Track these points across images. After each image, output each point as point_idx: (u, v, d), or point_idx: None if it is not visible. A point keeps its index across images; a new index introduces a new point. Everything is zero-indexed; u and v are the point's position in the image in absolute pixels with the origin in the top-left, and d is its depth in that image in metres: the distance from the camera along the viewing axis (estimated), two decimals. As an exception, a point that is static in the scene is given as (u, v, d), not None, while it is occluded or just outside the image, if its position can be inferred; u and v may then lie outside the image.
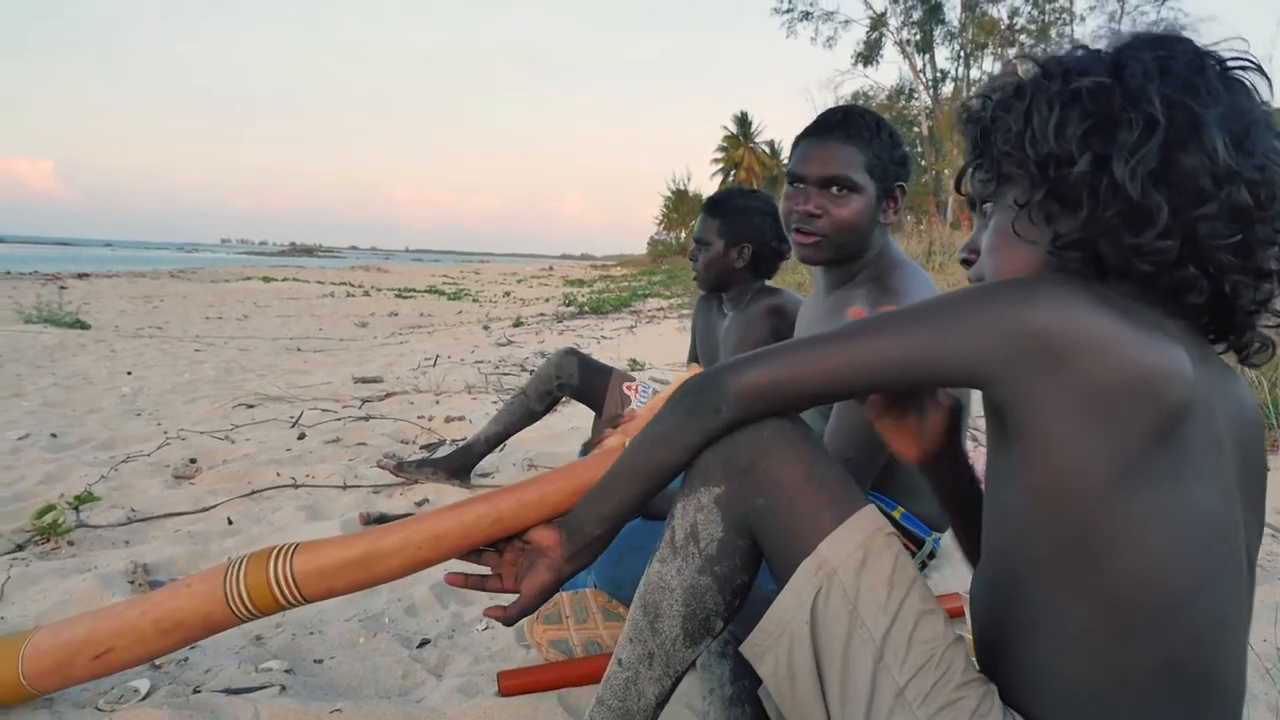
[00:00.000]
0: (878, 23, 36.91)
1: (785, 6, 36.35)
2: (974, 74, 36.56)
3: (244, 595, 1.29)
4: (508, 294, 19.32)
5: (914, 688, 0.89)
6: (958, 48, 37.35)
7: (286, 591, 1.28)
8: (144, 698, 1.50)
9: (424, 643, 1.80)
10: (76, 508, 2.58)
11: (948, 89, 37.93)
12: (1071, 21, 33.54)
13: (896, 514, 1.77)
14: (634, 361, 5.82)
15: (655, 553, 1.06)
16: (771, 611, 0.97)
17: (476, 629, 1.87)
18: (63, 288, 15.15)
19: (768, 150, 55.01)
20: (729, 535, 1.01)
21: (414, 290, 19.26)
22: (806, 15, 36.45)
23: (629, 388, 2.87)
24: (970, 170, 1.00)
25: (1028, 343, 0.81)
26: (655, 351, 6.86)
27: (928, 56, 37.65)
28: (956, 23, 36.64)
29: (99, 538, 2.43)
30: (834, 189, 1.71)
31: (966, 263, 1.04)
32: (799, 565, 0.96)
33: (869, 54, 37.28)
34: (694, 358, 2.92)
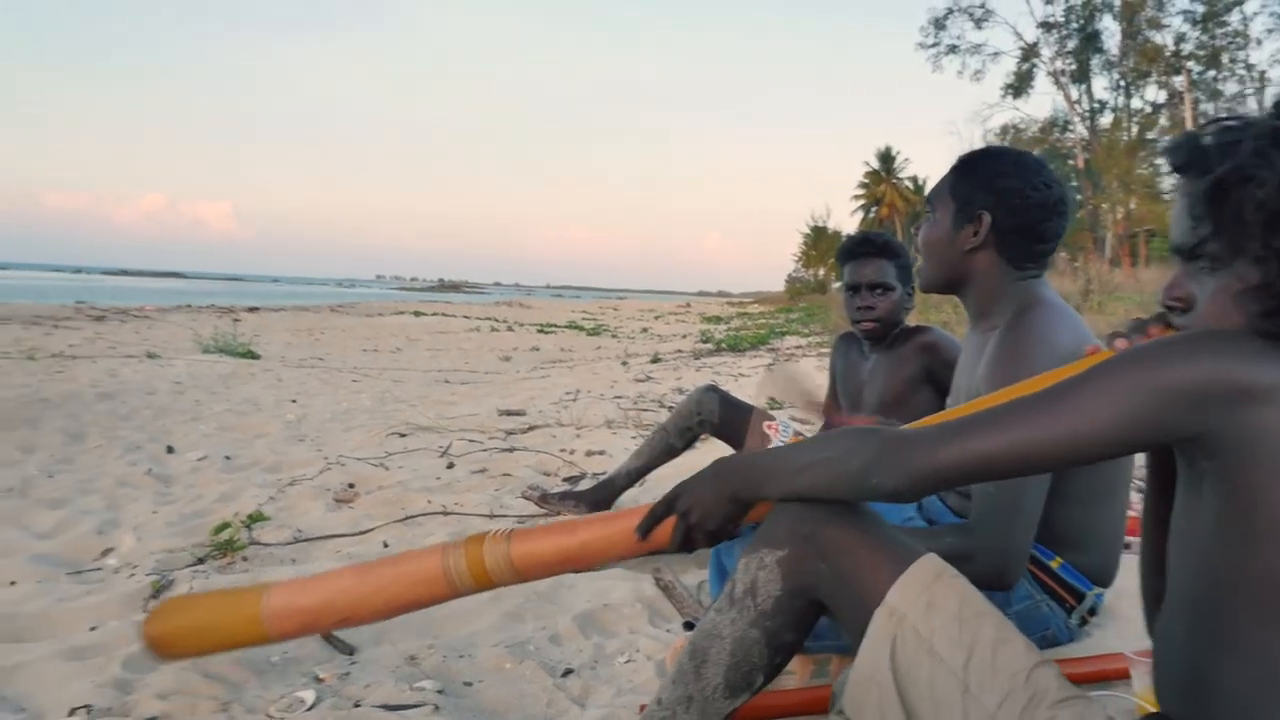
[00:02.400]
0: (1029, 53, 35.76)
1: (931, 41, 35.74)
2: (1135, 104, 34.81)
3: (464, 573, 1.40)
4: (645, 330, 19.57)
5: (1005, 712, 0.92)
6: (1117, 77, 35.72)
7: (503, 570, 1.39)
8: (310, 708, 1.59)
9: (568, 672, 1.84)
10: (249, 526, 2.77)
11: (1106, 120, 36.26)
12: (1246, 46, 31.53)
13: (1054, 564, 1.69)
14: (773, 400, 5.77)
15: (714, 602, 1.13)
16: (856, 665, 1.02)
17: (619, 661, 1.90)
18: (236, 320, 16.34)
19: (911, 186, 53.87)
20: (786, 595, 1.07)
21: (555, 326, 19.77)
22: (953, 49, 35.73)
23: (769, 426, 2.86)
24: (1192, 223, 0.91)
25: (1233, 394, 0.81)
26: (793, 390, 6.79)
27: (1084, 87, 36.15)
28: (1116, 51, 35.06)
29: (269, 555, 2.60)
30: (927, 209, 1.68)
31: (1171, 309, 0.98)
32: (871, 618, 1.01)
33: (1019, 86, 36.13)
34: (833, 398, 2.88)
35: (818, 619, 1.12)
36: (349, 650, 1.88)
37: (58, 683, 1.72)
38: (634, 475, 2.96)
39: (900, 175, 54.99)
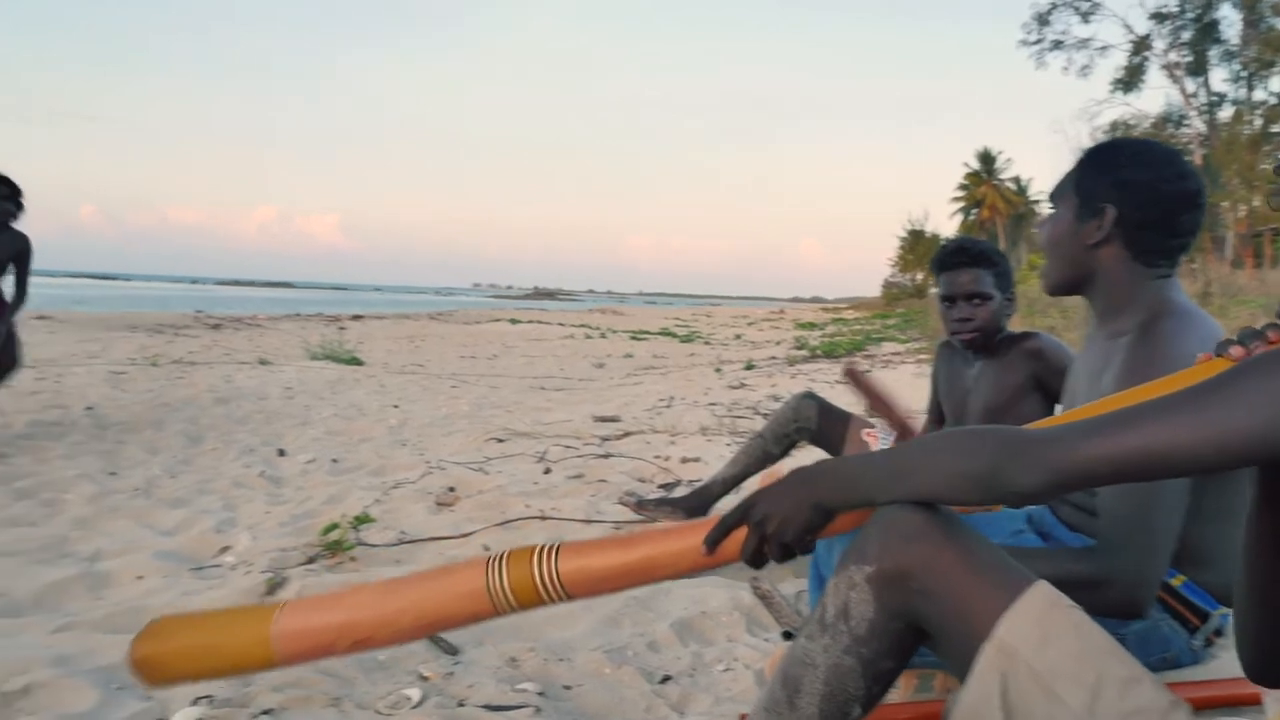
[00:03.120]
0: (1140, 46, 34.25)
1: (1034, 37, 34.58)
2: (1258, 95, 32.98)
3: (508, 590, 1.31)
4: (738, 337, 19.47)
5: None
6: (1237, 68, 33.87)
7: (551, 588, 1.32)
8: (416, 705, 1.63)
9: (666, 679, 1.84)
10: (356, 527, 2.87)
11: (1225, 114, 34.45)
12: (1380, 32, 29.55)
13: (1176, 583, 1.61)
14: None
15: (803, 628, 1.05)
16: (962, 702, 0.95)
17: (717, 669, 1.89)
18: (341, 328, 16.94)
19: (1013, 187, 52.22)
20: (880, 617, 0.99)
21: (647, 333, 19.85)
22: (1058, 45, 34.48)
23: (868, 434, 2.81)
24: None
25: None
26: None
27: (1201, 79, 34.43)
28: (1236, 40, 33.27)
29: (375, 555, 2.68)
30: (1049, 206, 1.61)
31: None
32: (976, 653, 0.93)
33: (1130, 80, 34.62)
34: (935, 407, 2.81)
35: (918, 645, 1.04)
36: (453, 650, 1.92)
37: (182, 673, 1.80)
38: (730, 482, 2.95)
39: (1001, 176, 53.38)
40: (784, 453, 2.91)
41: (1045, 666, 0.90)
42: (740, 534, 1.11)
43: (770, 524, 1.06)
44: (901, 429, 2.80)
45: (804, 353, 12.95)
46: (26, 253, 4.26)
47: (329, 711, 1.62)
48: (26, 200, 4.27)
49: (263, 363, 9.15)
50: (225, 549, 2.84)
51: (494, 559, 1.32)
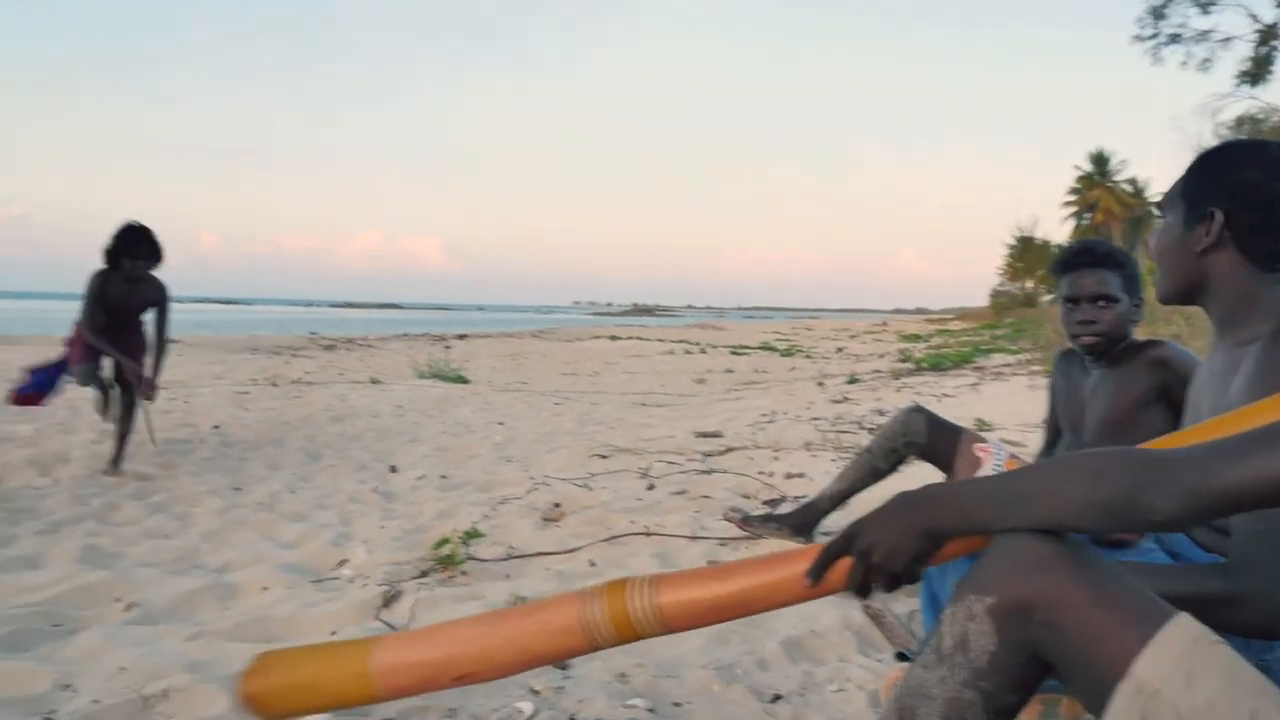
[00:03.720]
0: (1268, 36, 32.38)
1: (1150, 32, 33.10)
2: (1401, 85, 30.71)
3: (604, 624, 1.30)
4: (840, 350, 19.17)
5: None
6: (1377, 56, 31.66)
7: (647, 622, 1.30)
8: (529, 718, 1.65)
9: (777, 698, 1.81)
10: (466, 542, 2.93)
11: (1364, 105, 32.22)
12: None
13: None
14: (981, 421, 5.50)
15: (919, 656, 1.01)
16: None
17: (829, 690, 1.85)
18: (447, 347, 17.41)
19: (1129, 189, 49.98)
20: (1003, 650, 0.94)
21: (748, 347, 19.74)
22: (1174, 39, 32.91)
23: (980, 449, 2.72)
24: None
25: None
26: (1004, 411, 6.44)
27: (1336, 70, 32.29)
28: (1377, 26, 31.13)
29: (485, 570, 2.73)
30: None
31: None
32: (1111, 692, 0.87)
33: (1257, 72, 32.70)
34: (1053, 421, 2.70)
35: (1044, 679, 0.98)
36: (562, 665, 1.94)
37: (306, 682, 1.87)
38: (837, 499, 2.90)
39: (1116, 178, 51.16)
40: (892, 468, 2.84)
41: (1192, 708, 0.84)
42: (844, 563, 1.08)
43: (876, 553, 1.02)
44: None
45: (909, 365, 12.65)
46: (165, 300, 4.52)
47: (444, 723, 1.65)
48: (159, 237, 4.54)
49: (374, 382, 9.47)
50: (343, 562, 2.94)
51: (589, 594, 1.32)
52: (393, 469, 4.71)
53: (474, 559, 2.81)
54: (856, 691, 1.83)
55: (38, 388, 4.49)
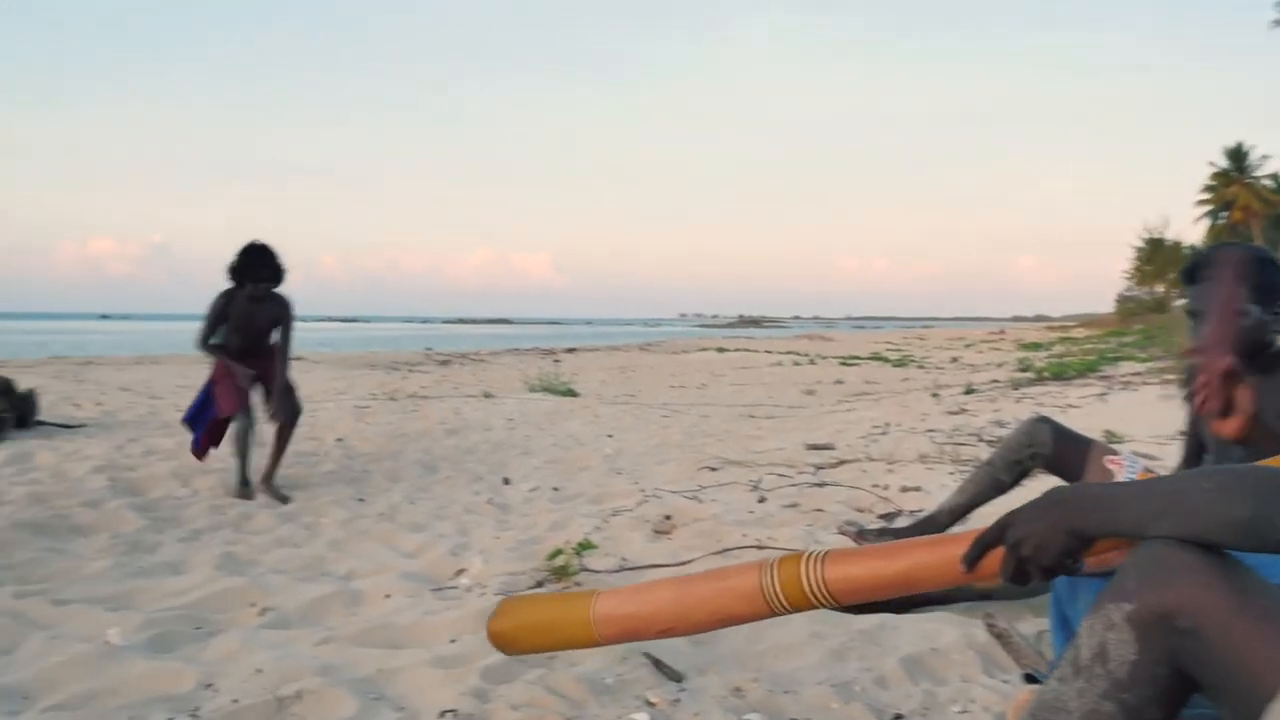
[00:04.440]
0: None
1: (1289, 17, 31.04)
2: None
3: (780, 593, 1.40)
4: (955, 360, 18.61)
5: None
6: None
7: (818, 593, 1.37)
8: (644, 730, 1.65)
9: (897, 717, 1.76)
10: (579, 553, 2.96)
11: None
12: None
13: None
14: (1110, 433, 5.23)
15: (1055, 669, 0.98)
16: None
17: (952, 710, 1.79)
18: (556, 361, 17.69)
19: (1271, 184, 46.93)
20: (1144, 660, 0.90)
21: (858, 358, 19.38)
22: (1318, 23, 30.76)
23: (1112, 462, 2.59)
24: None
25: None
26: (1135, 422, 6.12)
27: None
28: None
29: (598, 581, 2.75)
30: None
31: None
32: (1265, 712, 0.82)
33: None
34: (1191, 434, 2.55)
35: (1189, 695, 0.94)
36: (677, 677, 1.94)
37: (428, 687, 1.93)
38: (958, 512, 2.81)
39: (1256, 173, 48.12)
40: (1015, 481, 2.74)
41: None
42: (998, 553, 1.09)
43: (1026, 546, 1.03)
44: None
45: (1029, 375, 12.17)
46: (289, 317, 4.59)
47: (561, 730, 1.67)
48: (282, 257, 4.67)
49: (487, 396, 9.70)
50: (461, 571, 3.01)
51: (768, 563, 1.42)
52: (506, 481, 4.81)
53: (587, 570, 2.84)
54: (982, 714, 1.76)
55: (202, 431, 4.52)
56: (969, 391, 9.75)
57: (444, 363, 16.94)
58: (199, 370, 12.40)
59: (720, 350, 23.47)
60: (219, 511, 3.97)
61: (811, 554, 1.39)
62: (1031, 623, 2.25)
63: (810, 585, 1.36)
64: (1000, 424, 6.26)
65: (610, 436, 6.64)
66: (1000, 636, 2.12)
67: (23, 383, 6.80)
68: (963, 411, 7.49)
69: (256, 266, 4.36)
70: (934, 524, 2.83)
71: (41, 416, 6.56)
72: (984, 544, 1.10)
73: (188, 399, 8.66)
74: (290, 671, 2.05)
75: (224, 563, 3.17)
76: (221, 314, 4.41)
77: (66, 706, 1.96)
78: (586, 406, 8.83)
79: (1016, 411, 7.02)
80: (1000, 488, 2.75)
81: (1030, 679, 1.90)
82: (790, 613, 1.42)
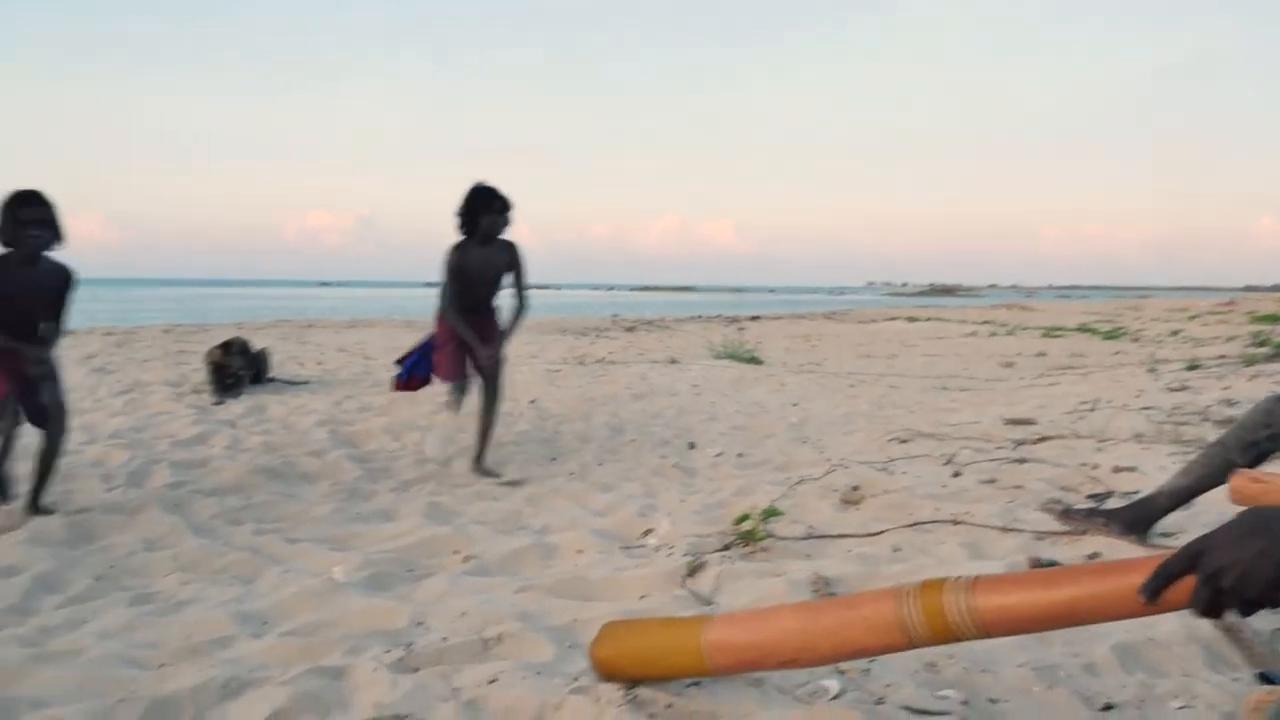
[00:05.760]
0: None
1: None
2: None
3: (920, 624, 1.32)
4: (1175, 333, 17.07)
5: None
6: None
7: (965, 625, 1.28)
8: (834, 697, 1.64)
9: (1108, 707, 1.66)
10: (765, 520, 2.95)
11: None
12: None
13: None
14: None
15: None
16: None
17: (1172, 705, 1.67)
18: (740, 329, 17.63)
19: None
20: None
21: (1062, 329, 18.16)
22: None
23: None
24: None
25: None
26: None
27: None
28: None
29: (785, 548, 2.74)
30: None
31: None
32: None
33: None
34: None
35: None
36: (867, 648, 1.90)
37: (620, 640, 1.99)
38: (1180, 496, 2.59)
39: None
40: (1251, 463, 2.49)
41: None
42: (1187, 583, 1.00)
43: (1227, 576, 0.94)
44: None
45: (1266, 350, 11.00)
46: (518, 261, 4.27)
47: (750, 691, 1.68)
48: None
49: (672, 362, 9.81)
50: (648, 531, 3.08)
51: (905, 592, 1.32)
52: (691, 446, 4.86)
53: (774, 536, 2.83)
54: (1207, 711, 1.63)
55: (410, 373, 4.46)
56: (1193, 367, 8.93)
57: (630, 329, 17.27)
58: (409, 335, 13.25)
59: (910, 319, 22.64)
60: (424, 465, 4.24)
61: (955, 581, 1.28)
62: (1268, 619, 2.05)
63: (957, 616, 1.26)
64: (1230, 403, 5.71)
65: (795, 405, 6.57)
66: (1229, 631, 1.94)
67: (256, 343, 7.51)
68: (1185, 388, 6.87)
69: (490, 198, 4.11)
70: (1151, 506, 2.63)
71: (273, 374, 7.23)
72: (1170, 573, 1.01)
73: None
74: (492, 615, 2.17)
75: (431, 512, 3.39)
76: (459, 269, 4.13)
77: (298, 633, 2.17)
78: (771, 374, 8.76)
79: (1250, 391, 6.37)
80: (1232, 470, 2.51)
81: (1266, 679, 1.74)
82: (931, 645, 1.32)
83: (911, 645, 1.35)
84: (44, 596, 2.52)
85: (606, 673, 1.65)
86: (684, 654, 1.55)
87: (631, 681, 1.64)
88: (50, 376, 3.28)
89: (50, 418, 3.30)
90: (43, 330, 3.26)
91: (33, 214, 3.07)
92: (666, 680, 1.64)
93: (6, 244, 3.12)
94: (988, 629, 1.27)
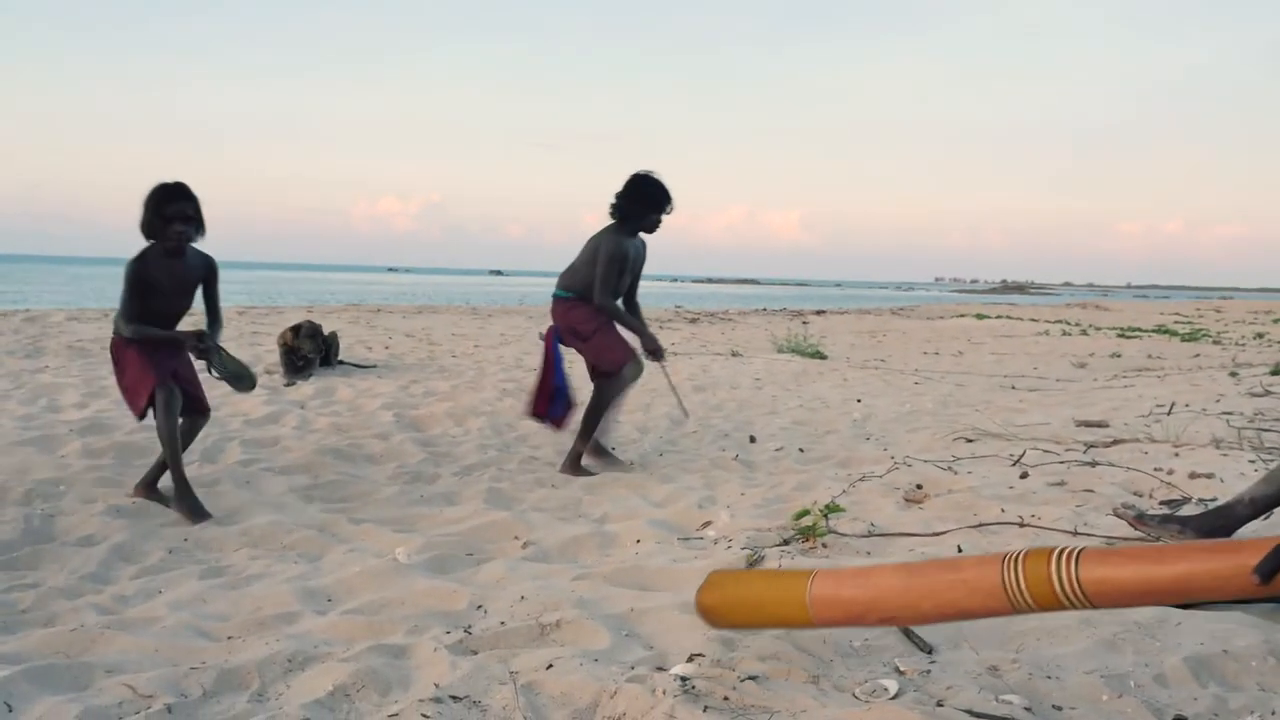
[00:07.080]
0: None
1: None
2: None
3: (1025, 590, 1.32)
4: (1259, 336, 16.42)
5: None
6: None
7: (1070, 594, 1.28)
8: (894, 697, 1.62)
9: (1179, 719, 1.60)
10: (826, 515, 2.92)
11: None
12: None
13: None
14: None
15: None
16: None
17: (1247, 719, 1.60)
18: (804, 323, 17.47)
19: None
20: None
21: (1139, 330, 17.60)
22: None
23: None
24: None
25: None
26: None
27: None
28: None
29: (846, 545, 2.71)
30: None
31: None
32: None
33: None
34: None
35: None
36: (928, 649, 1.87)
37: (677, 630, 1.99)
38: (1261, 504, 2.49)
39: None
40: (1340, 474, 2.38)
41: None
42: None
43: None
44: None
45: (1356, 356, 10.51)
46: (643, 257, 4.25)
47: (808, 687, 1.67)
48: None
49: (734, 354, 9.77)
50: (707, 523, 3.07)
51: (1010, 557, 1.33)
52: (752, 439, 4.84)
53: (834, 533, 2.80)
54: (1285, 727, 1.57)
55: (563, 413, 4.20)
56: (1277, 372, 8.58)
57: (693, 321, 17.22)
58: (470, 321, 13.40)
59: (979, 316, 22.15)
60: (485, 450, 4.30)
61: (1064, 550, 1.29)
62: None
63: (1062, 585, 1.27)
64: (1317, 409, 5.47)
65: (859, 401, 6.49)
66: (1312, 646, 1.86)
67: (326, 327, 7.68)
68: (1268, 394, 6.61)
69: (666, 200, 3.95)
70: (1230, 514, 2.54)
71: (341, 357, 7.39)
72: None
73: (463, 347, 9.39)
74: (550, 601, 2.19)
75: (491, 497, 3.43)
76: (624, 256, 3.97)
77: (362, 611, 2.22)
78: (835, 369, 8.66)
79: (1339, 396, 6.10)
80: (1318, 480, 2.41)
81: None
82: (1035, 611, 1.33)
83: (1014, 611, 1.36)
84: (121, 566, 2.62)
85: (711, 618, 1.72)
86: (789, 605, 1.60)
87: (737, 628, 1.76)
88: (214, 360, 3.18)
89: (202, 408, 3.26)
90: (208, 328, 3.25)
91: (177, 209, 3.06)
92: (771, 628, 1.73)
93: (150, 238, 3.13)
94: (1093, 600, 1.27)
